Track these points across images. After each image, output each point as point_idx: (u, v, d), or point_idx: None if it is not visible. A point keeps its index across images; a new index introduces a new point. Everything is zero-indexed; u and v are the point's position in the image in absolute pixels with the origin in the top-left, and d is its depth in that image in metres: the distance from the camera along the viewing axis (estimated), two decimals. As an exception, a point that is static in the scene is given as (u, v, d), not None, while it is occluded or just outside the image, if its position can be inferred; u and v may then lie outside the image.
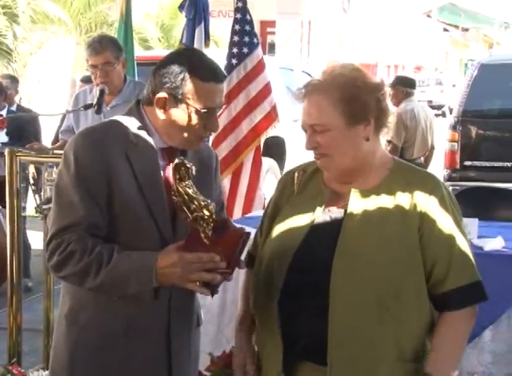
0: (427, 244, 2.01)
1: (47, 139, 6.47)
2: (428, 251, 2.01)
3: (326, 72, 2.09)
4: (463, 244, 2.05)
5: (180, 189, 2.02)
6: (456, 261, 2.03)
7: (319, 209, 2.09)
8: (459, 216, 2.11)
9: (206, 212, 2.01)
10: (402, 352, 2.00)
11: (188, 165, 2.03)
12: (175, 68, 2.09)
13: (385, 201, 2.05)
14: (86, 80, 5.94)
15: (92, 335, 2.16)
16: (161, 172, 2.16)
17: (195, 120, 2.10)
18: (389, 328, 1.98)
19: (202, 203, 2.01)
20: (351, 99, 2.02)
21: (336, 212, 2.07)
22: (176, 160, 2.03)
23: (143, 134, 2.14)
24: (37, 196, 4.02)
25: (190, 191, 2.02)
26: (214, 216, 2.02)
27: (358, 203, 2.05)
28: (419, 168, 2.25)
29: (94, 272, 2.02)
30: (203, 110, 2.09)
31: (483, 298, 2.07)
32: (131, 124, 2.15)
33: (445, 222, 2.04)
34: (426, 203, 2.03)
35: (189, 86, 2.07)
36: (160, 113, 2.12)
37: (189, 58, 2.14)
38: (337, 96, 2.01)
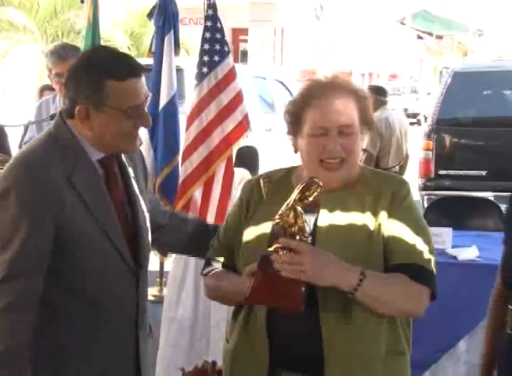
0: (389, 245, 2.05)
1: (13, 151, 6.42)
2: (387, 252, 2.06)
3: (340, 77, 2.16)
4: (422, 241, 2.07)
5: (296, 209, 1.93)
6: (413, 252, 2.05)
7: None
8: (424, 220, 2.15)
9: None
10: (389, 347, 2.05)
11: (319, 187, 1.94)
12: (89, 74, 2.02)
13: (353, 204, 2.09)
14: (49, 88, 5.89)
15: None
16: (105, 188, 2.11)
17: (123, 121, 2.04)
18: (372, 325, 2.03)
19: (304, 233, 1.94)
20: (365, 107, 2.12)
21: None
22: (310, 180, 1.95)
23: (78, 150, 2.07)
24: None
25: (302, 215, 1.94)
26: None
27: (329, 206, 2.09)
28: (381, 170, 2.31)
29: None
30: (129, 110, 2.03)
31: (433, 290, 2.06)
32: (64, 141, 2.07)
33: (409, 226, 2.07)
34: (392, 206, 2.08)
35: (107, 90, 2.01)
36: (86, 126, 2.05)
37: (100, 60, 2.05)
38: (358, 102, 2.10)
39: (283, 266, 1.90)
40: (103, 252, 2.07)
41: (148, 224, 2.24)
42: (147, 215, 2.24)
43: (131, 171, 2.22)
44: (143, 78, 2.09)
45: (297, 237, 1.93)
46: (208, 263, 2.29)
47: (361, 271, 1.96)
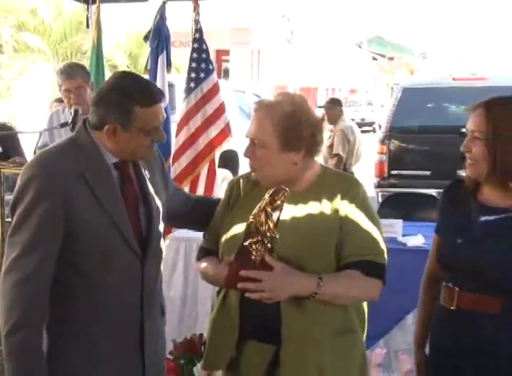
0: (344, 239, 2.04)
1: (29, 154, 6.35)
2: (344, 248, 2.04)
3: (278, 97, 2.09)
4: (373, 233, 2.07)
5: (267, 211, 1.94)
6: (366, 247, 2.05)
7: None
8: (374, 212, 2.13)
9: (269, 243, 1.95)
10: (339, 325, 2.05)
11: (286, 193, 1.95)
12: (119, 100, 2.01)
13: (312, 201, 2.08)
14: (59, 100, 5.86)
15: (73, 342, 2.05)
16: (117, 184, 2.09)
17: (144, 139, 2.06)
18: (324, 307, 2.01)
19: (274, 231, 1.94)
20: (289, 128, 2.02)
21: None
22: (278, 187, 1.96)
23: (94, 153, 2.06)
24: None
25: (273, 217, 1.95)
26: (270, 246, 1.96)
27: (290, 203, 2.06)
28: (339, 171, 2.30)
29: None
30: (151, 131, 2.05)
31: (383, 280, 2.06)
32: (82, 145, 2.07)
33: (361, 219, 2.06)
34: (345, 201, 2.06)
35: (134, 115, 2.01)
36: (111, 140, 2.05)
37: (129, 87, 2.04)
38: (278, 122, 2.01)
39: (250, 294, 1.92)
40: (112, 241, 2.04)
41: (159, 217, 2.20)
42: (158, 210, 2.20)
43: (146, 173, 2.20)
44: (162, 103, 2.11)
45: (268, 234, 1.94)
46: (201, 251, 2.29)
47: (317, 279, 1.96)
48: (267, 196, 1.95)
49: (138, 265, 2.10)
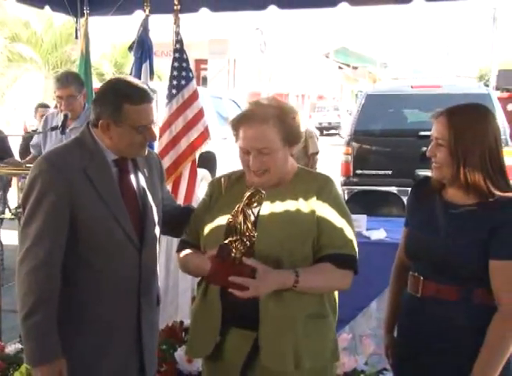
0: (319, 235, 2.04)
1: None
2: (319, 242, 2.04)
3: (259, 104, 2.07)
4: (346, 227, 2.07)
5: (245, 212, 1.94)
6: (339, 241, 2.05)
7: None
8: (346, 208, 2.13)
9: (248, 241, 1.93)
10: (312, 311, 2.04)
11: (263, 195, 1.95)
12: (112, 98, 2.05)
13: (290, 199, 2.07)
14: (43, 105, 5.84)
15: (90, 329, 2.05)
16: (116, 180, 2.10)
17: (135, 135, 2.07)
18: (299, 295, 2.00)
19: (252, 231, 1.93)
20: (287, 126, 2.03)
21: (254, 209, 2.07)
22: (254, 189, 1.97)
23: (96, 151, 2.08)
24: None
25: (250, 217, 1.94)
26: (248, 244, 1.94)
27: (269, 200, 2.06)
28: (313, 170, 2.32)
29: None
30: (140, 127, 2.06)
31: (355, 270, 2.07)
32: (85, 144, 2.09)
33: (335, 216, 2.06)
34: (320, 201, 2.06)
35: (125, 111, 2.03)
36: (106, 135, 2.08)
37: (121, 88, 2.07)
38: (278, 124, 2.01)
39: (234, 291, 1.92)
40: (112, 231, 2.04)
41: (155, 212, 2.19)
42: (154, 206, 2.19)
43: (145, 171, 2.21)
44: (153, 104, 2.11)
45: (246, 233, 1.94)
46: (181, 243, 2.25)
47: (294, 275, 1.95)
48: (245, 198, 1.94)
49: (136, 256, 2.10)
